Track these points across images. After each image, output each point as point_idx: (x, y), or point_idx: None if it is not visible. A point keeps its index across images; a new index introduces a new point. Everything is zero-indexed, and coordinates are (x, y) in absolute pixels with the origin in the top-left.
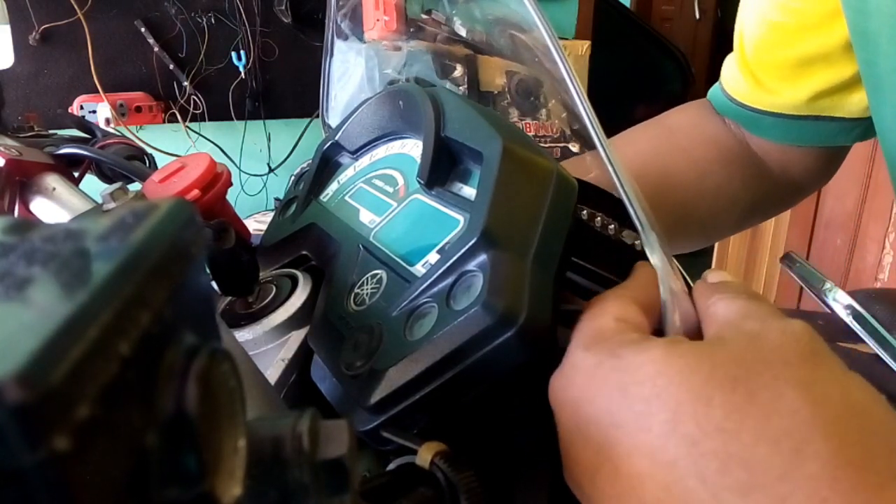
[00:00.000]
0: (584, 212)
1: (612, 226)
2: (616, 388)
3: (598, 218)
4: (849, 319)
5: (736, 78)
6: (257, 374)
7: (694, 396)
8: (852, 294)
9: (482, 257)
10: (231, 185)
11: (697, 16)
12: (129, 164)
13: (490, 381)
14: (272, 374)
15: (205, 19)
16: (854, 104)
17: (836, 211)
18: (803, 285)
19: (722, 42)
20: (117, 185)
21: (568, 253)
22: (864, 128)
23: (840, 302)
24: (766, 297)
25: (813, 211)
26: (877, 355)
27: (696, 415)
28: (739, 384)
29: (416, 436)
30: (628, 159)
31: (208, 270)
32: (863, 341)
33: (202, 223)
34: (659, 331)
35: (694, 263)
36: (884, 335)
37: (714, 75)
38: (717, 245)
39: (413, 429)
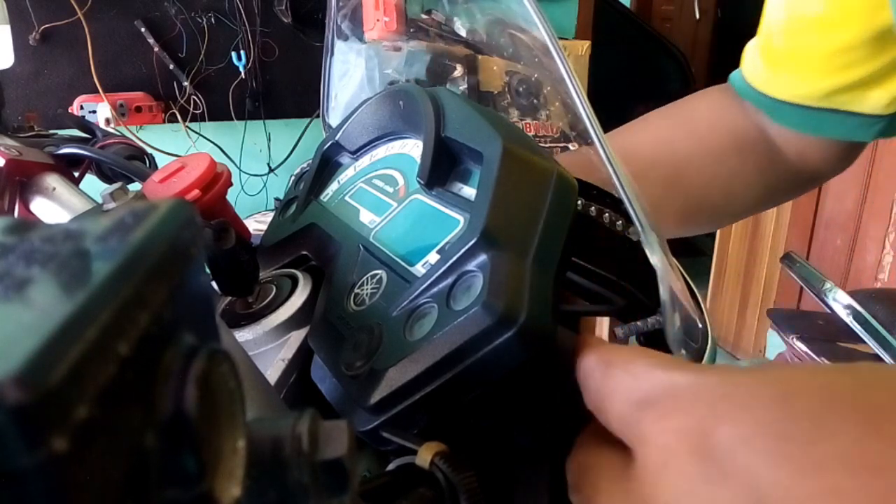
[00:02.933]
0: (592, 208)
1: (620, 222)
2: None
3: (607, 214)
4: (849, 319)
5: (756, 65)
6: (257, 375)
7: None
8: (852, 294)
9: (482, 257)
10: (231, 185)
11: (697, 16)
12: (129, 164)
13: (490, 382)
14: (272, 374)
15: (205, 19)
16: (873, 101)
17: (836, 211)
18: (803, 285)
19: (722, 42)
20: (117, 185)
21: (568, 253)
22: (883, 125)
23: (840, 302)
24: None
25: (813, 211)
26: (877, 355)
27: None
28: None
29: (416, 436)
30: (643, 143)
31: (208, 270)
32: (863, 341)
33: (202, 223)
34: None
35: (694, 263)
36: (884, 335)
37: (714, 75)
38: (717, 245)
39: (413, 429)
